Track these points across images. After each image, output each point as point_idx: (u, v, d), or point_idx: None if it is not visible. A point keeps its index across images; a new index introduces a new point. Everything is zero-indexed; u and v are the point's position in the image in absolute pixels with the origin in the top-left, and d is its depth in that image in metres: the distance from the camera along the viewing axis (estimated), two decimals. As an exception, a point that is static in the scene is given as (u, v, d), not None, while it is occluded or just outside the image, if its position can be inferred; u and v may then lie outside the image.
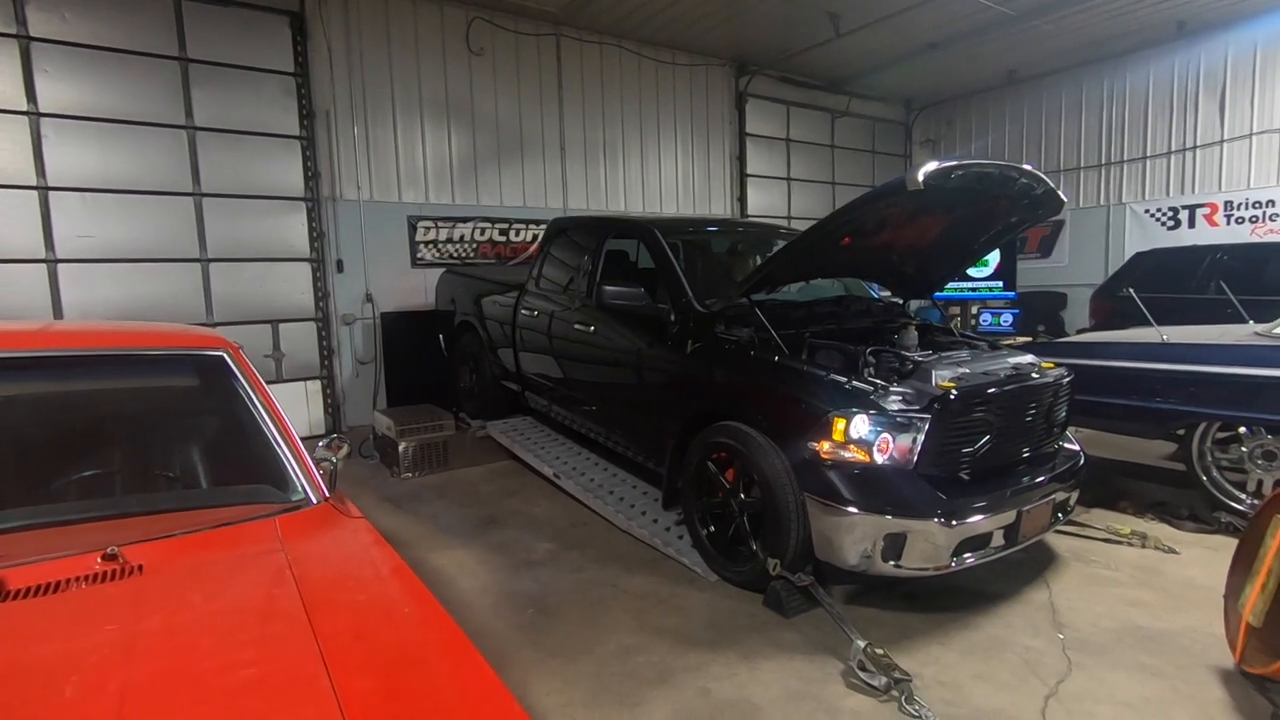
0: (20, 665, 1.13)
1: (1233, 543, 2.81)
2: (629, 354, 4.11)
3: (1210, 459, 4.20)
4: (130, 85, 5.67)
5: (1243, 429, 4.06)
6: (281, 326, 6.49)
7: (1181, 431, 4.25)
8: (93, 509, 1.74)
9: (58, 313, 5.52)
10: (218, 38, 5.96)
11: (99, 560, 1.42)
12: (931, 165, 2.86)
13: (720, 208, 9.61)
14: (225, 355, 2.17)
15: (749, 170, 9.80)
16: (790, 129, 10.27)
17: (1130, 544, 3.81)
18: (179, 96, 5.86)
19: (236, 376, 2.12)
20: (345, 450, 2.15)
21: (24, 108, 5.31)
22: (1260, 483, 3.99)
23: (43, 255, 5.44)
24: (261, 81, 6.21)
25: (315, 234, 6.56)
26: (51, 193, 5.44)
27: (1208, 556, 3.64)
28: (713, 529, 3.52)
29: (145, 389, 2.27)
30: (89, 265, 5.61)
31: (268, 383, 2.20)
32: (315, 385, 6.74)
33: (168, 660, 1.15)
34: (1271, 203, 8.28)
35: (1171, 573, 3.50)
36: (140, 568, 1.44)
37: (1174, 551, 3.72)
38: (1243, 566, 2.68)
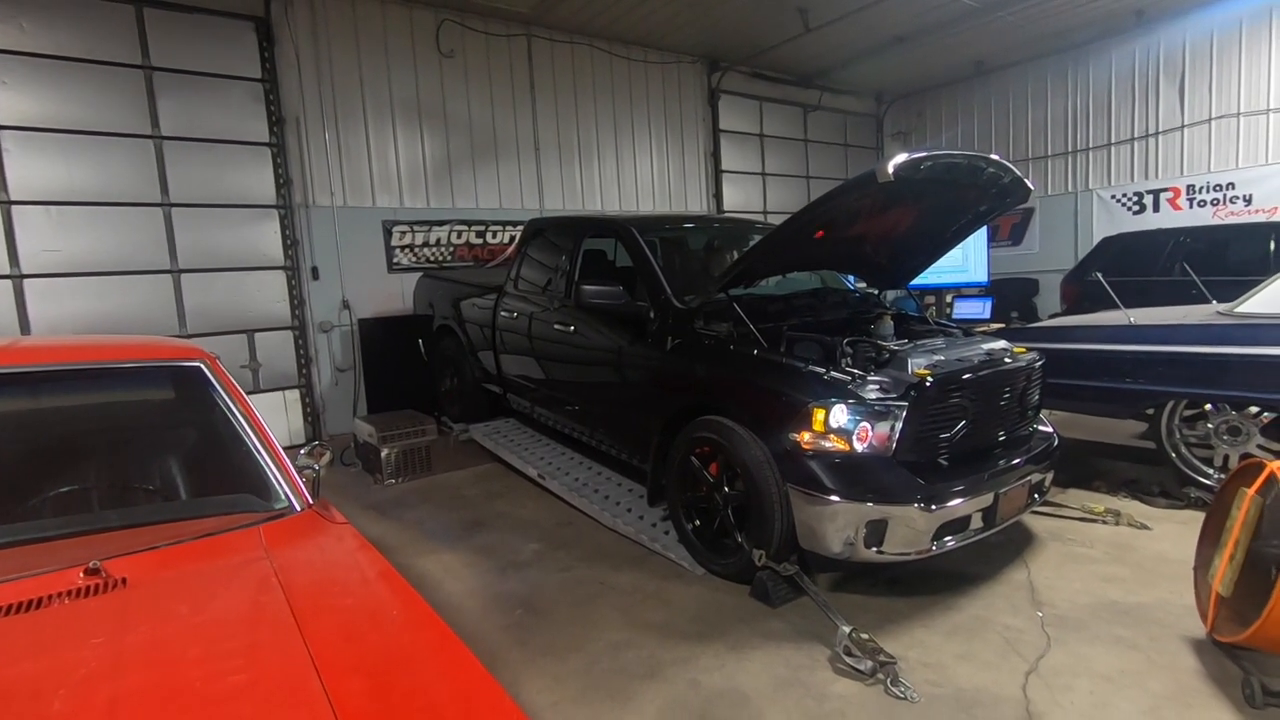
0: (6, 682, 1.12)
1: (1202, 517, 2.90)
2: (610, 352, 4.13)
3: (1179, 436, 4.32)
4: (93, 95, 5.56)
5: (1208, 406, 4.18)
6: (257, 336, 6.41)
7: (1151, 411, 4.36)
8: (73, 524, 1.72)
9: (25, 329, 5.39)
10: (182, 45, 5.87)
11: (81, 575, 1.41)
12: (901, 157, 2.91)
13: (696, 204, 9.65)
14: (202, 366, 2.15)
15: (724, 166, 9.85)
16: (764, 124, 10.34)
17: (1104, 522, 3.91)
18: (144, 106, 5.75)
19: (214, 386, 2.10)
20: (327, 457, 2.15)
21: (-17, 121, 5.19)
22: (1226, 458, 4.11)
23: (7, 271, 5.32)
24: (228, 88, 6.12)
25: (289, 241, 6.49)
26: (14, 207, 5.32)
27: (1178, 531, 3.75)
28: (698, 523, 3.55)
29: (121, 402, 2.24)
30: (56, 280, 5.49)
31: (245, 393, 2.19)
32: (294, 394, 6.67)
33: (156, 671, 1.15)
34: (1231, 185, 8.50)
35: (1144, 548, 3.60)
36: (124, 581, 1.43)
37: (1146, 528, 3.83)
38: (1211, 539, 2.77)
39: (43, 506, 1.84)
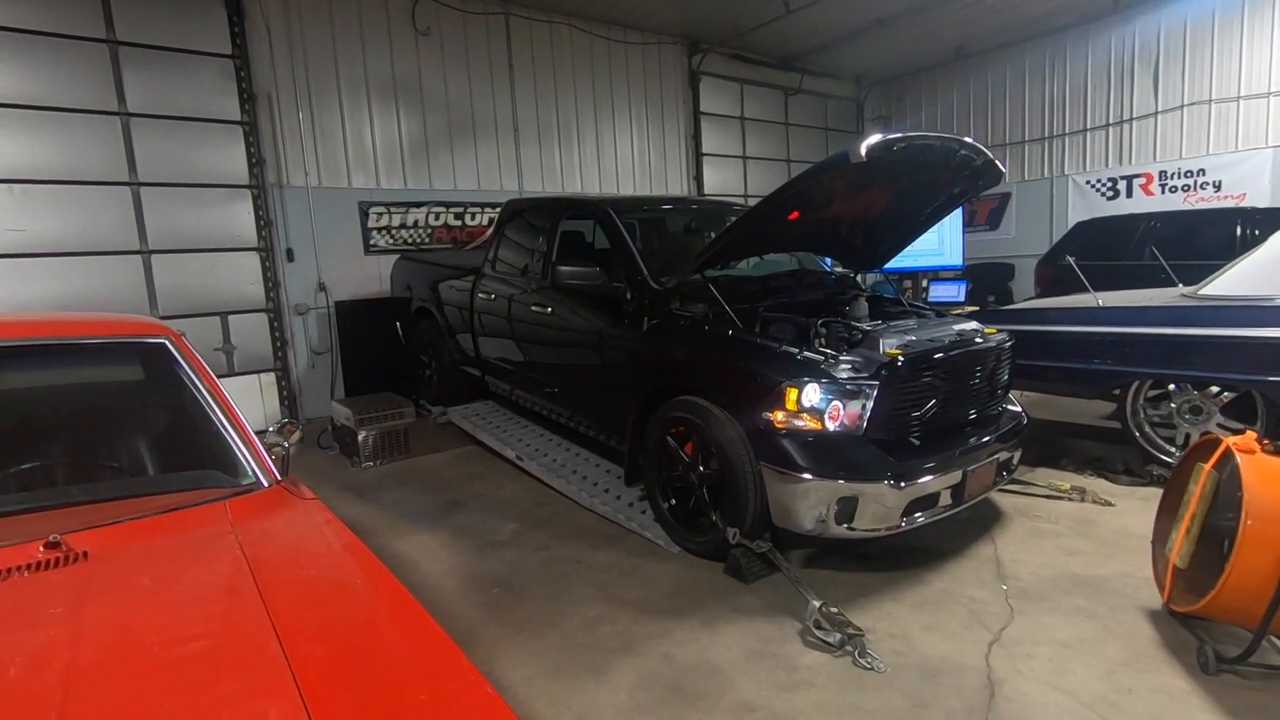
0: (-39, 652, 1.12)
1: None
2: (587, 334, 4.13)
3: (1143, 416, 4.42)
4: (57, 70, 5.39)
5: (1172, 386, 4.28)
6: (231, 318, 6.32)
7: (1117, 391, 4.46)
8: (35, 499, 1.70)
9: (-10, 310, 5.28)
10: (148, 19, 5.71)
11: (41, 549, 1.40)
12: (874, 138, 2.93)
13: (677, 187, 9.63)
14: (167, 342, 2.12)
15: (705, 149, 9.82)
16: (744, 107, 10.31)
17: (1070, 499, 4.01)
18: (109, 81, 5.60)
19: (179, 363, 2.08)
20: (297, 434, 2.14)
21: (-60, 95, 5.03)
22: (1188, 436, 4.22)
23: (-30, 251, 5.20)
24: (197, 64, 5.98)
25: (262, 222, 6.38)
26: (-24, 185, 5.19)
27: (1140, 507, 3.85)
28: (674, 502, 3.59)
29: (86, 378, 2.21)
30: (21, 260, 5.36)
31: (219, 377, 2.17)
32: (269, 378, 6.59)
33: (115, 639, 1.15)
34: (1202, 171, 8.64)
35: (1107, 523, 3.70)
36: (85, 554, 1.42)
37: (1110, 504, 3.93)
38: (1169, 513, 2.86)
39: (4, 482, 1.82)
